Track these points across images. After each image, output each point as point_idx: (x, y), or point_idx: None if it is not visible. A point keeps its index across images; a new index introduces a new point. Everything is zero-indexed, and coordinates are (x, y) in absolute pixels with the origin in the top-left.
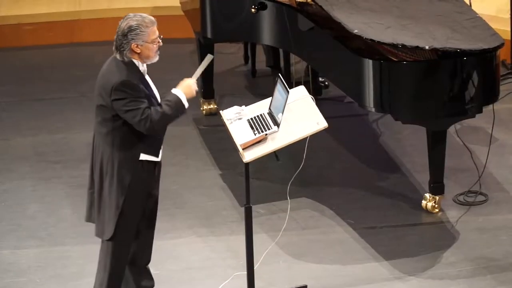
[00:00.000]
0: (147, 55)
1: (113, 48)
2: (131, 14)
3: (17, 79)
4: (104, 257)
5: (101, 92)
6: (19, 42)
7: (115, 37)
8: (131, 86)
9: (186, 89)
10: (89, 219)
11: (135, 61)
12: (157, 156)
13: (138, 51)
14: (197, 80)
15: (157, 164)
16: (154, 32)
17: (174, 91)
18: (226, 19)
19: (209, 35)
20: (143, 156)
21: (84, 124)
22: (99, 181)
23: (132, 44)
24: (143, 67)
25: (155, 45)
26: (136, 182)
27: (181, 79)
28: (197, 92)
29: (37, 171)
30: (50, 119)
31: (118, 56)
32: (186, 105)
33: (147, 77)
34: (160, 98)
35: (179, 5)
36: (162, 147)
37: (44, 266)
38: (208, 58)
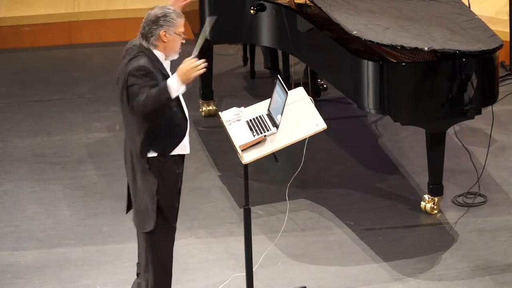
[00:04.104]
0: (171, 47)
1: (138, 36)
2: (160, 5)
3: (16, 81)
4: (148, 257)
5: (121, 84)
6: (18, 43)
7: (142, 24)
8: (147, 73)
9: (179, 72)
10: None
11: (158, 53)
12: (185, 151)
13: (165, 40)
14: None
15: (183, 159)
16: (182, 25)
17: (172, 76)
18: (225, 21)
19: (208, 37)
20: (171, 151)
21: (83, 125)
22: (132, 178)
23: (161, 31)
24: (166, 62)
25: (180, 39)
26: (166, 175)
27: None
28: (200, 69)
29: (35, 173)
30: (48, 121)
31: (144, 44)
32: (176, 89)
33: (170, 73)
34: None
35: None
36: (188, 140)
37: (42, 267)
38: (210, 20)
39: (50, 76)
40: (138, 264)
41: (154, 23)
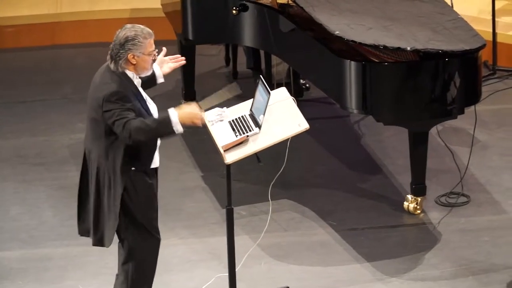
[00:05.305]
0: (142, 67)
1: (108, 57)
2: (129, 25)
3: None
4: (130, 269)
5: (93, 105)
6: (1, 44)
7: (111, 46)
8: (122, 97)
9: (183, 113)
10: (83, 233)
11: (130, 73)
12: (155, 164)
13: (134, 62)
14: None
15: (155, 171)
16: (151, 45)
17: (170, 110)
18: (207, 21)
19: (190, 37)
20: (137, 168)
21: (66, 126)
22: (96, 193)
23: (129, 55)
24: (137, 79)
25: (151, 58)
26: (139, 189)
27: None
28: (203, 125)
29: (19, 174)
30: (32, 122)
31: (112, 67)
32: (177, 127)
33: (141, 90)
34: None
35: (160, 6)
36: (158, 155)
37: (26, 268)
38: (231, 89)
39: (33, 77)
40: (117, 275)
41: (122, 47)
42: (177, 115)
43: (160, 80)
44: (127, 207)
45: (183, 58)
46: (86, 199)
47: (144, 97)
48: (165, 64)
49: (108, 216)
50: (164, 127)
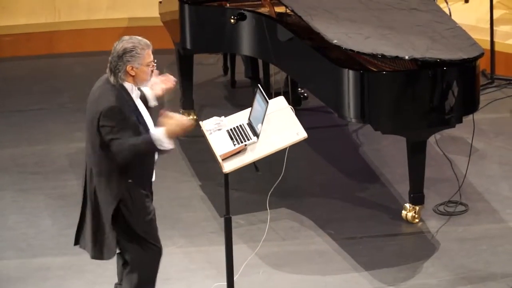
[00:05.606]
0: (142, 78)
1: (107, 70)
2: (127, 37)
3: None
4: (134, 278)
5: (91, 118)
6: None
7: (109, 59)
8: (120, 112)
9: (166, 131)
10: (81, 244)
11: (128, 85)
12: (148, 182)
13: (133, 74)
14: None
15: (151, 184)
16: (149, 55)
17: (158, 129)
18: (205, 30)
19: (188, 46)
20: (134, 181)
21: (64, 135)
22: (95, 205)
23: (128, 66)
24: (136, 92)
25: (150, 68)
26: (132, 203)
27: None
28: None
29: (17, 183)
30: (30, 131)
31: (112, 79)
32: (163, 143)
33: (138, 102)
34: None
35: (158, 16)
36: (154, 170)
37: (24, 277)
38: None
39: (31, 86)
40: (118, 285)
41: (120, 59)
42: (162, 133)
43: (152, 103)
44: (125, 219)
45: (173, 79)
46: (86, 212)
47: (141, 111)
48: (156, 86)
49: (107, 229)
50: (151, 148)
